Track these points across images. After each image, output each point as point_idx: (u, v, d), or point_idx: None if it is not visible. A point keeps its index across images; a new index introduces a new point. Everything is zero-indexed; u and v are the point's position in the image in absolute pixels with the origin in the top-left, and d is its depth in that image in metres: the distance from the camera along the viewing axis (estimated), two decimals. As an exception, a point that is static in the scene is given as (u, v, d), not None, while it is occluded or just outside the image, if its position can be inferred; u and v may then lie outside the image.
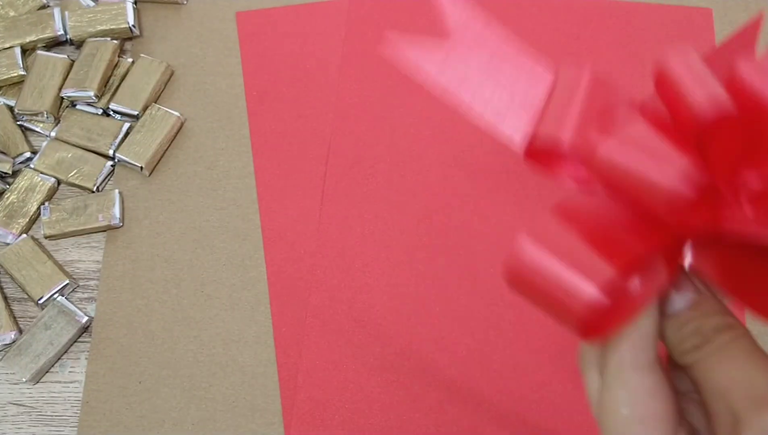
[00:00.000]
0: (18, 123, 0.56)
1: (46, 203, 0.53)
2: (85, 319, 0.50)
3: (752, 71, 0.22)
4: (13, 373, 0.49)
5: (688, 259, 0.24)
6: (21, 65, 0.57)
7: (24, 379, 0.48)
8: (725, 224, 0.21)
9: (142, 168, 0.54)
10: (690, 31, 0.56)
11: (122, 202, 0.54)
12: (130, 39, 0.60)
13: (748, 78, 0.22)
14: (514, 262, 0.23)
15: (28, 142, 0.56)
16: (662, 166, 0.21)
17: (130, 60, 0.58)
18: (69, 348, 0.50)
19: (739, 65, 0.22)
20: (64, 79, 0.56)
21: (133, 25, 0.58)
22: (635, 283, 0.23)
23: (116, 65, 0.57)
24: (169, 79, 0.58)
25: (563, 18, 0.57)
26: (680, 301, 0.24)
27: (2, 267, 0.52)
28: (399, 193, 0.52)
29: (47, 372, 0.50)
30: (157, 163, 0.55)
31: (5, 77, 0.56)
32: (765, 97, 0.21)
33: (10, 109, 0.57)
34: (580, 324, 0.22)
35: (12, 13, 0.59)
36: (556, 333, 0.48)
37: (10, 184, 0.54)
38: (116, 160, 0.55)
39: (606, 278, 0.21)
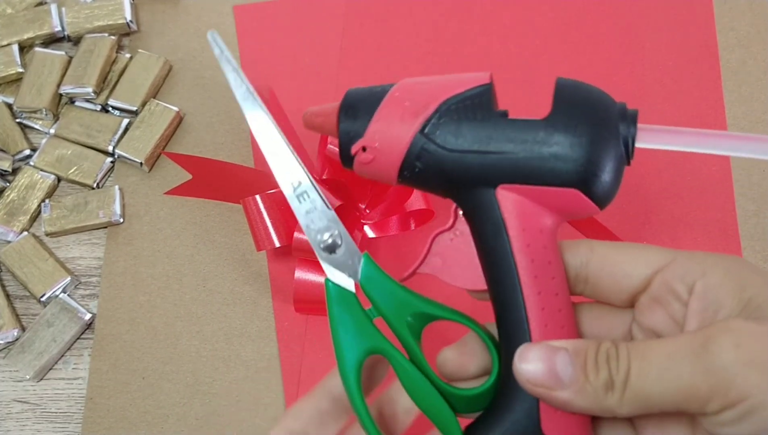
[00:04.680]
0: (17, 120, 0.56)
1: (47, 200, 0.53)
2: (88, 316, 0.50)
3: (333, 149, 0.44)
4: (17, 371, 0.49)
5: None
6: (19, 62, 0.56)
7: (27, 377, 0.49)
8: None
9: (141, 164, 0.54)
10: (689, 18, 0.56)
11: (122, 198, 0.54)
12: (127, 34, 0.59)
13: (332, 155, 0.45)
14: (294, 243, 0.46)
15: (27, 139, 0.56)
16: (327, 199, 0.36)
17: (128, 55, 0.57)
18: (72, 345, 0.50)
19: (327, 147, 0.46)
20: (62, 76, 0.56)
21: (131, 21, 0.58)
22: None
23: (114, 61, 0.57)
24: (167, 74, 0.58)
25: (562, 7, 0.57)
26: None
27: (4, 265, 0.52)
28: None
29: (51, 369, 0.50)
30: (156, 159, 0.55)
31: (3, 75, 0.56)
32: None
33: (9, 106, 0.57)
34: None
35: (9, 11, 0.59)
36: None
37: (10, 182, 0.54)
38: (116, 156, 0.55)
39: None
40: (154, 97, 0.56)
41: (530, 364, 0.28)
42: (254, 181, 0.50)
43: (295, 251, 0.47)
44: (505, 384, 0.29)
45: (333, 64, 0.57)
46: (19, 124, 0.56)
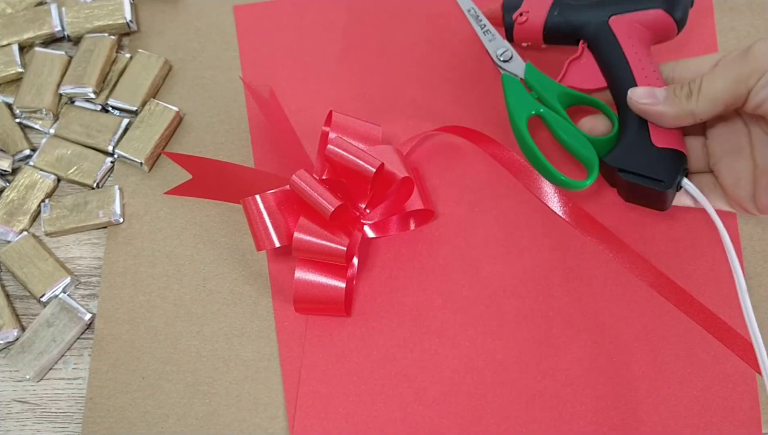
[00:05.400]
0: (17, 120, 0.56)
1: (47, 200, 0.53)
2: (88, 316, 0.50)
3: (333, 149, 0.47)
4: (17, 371, 0.49)
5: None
6: (19, 62, 0.56)
7: (27, 377, 0.49)
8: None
9: (141, 163, 0.54)
10: (690, 18, 0.56)
11: (122, 198, 0.54)
12: (127, 34, 0.59)
13: (332, 155, 0.47)
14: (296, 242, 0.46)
15: (27, 139, 0.56)
16: (326, 199, 0.45)
17: (127, 55, 0.57)
18: (72, 345, 0.50)
19: (328, 147, 0.47)
20: (62, 76, 0.56)
21: (131, 21, 0.58)
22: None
23: (114, 61, 0.57)
24: (167, 74, 0.58)
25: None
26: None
27: (4, 265, 0.52)
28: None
29: (51, 369, 0.50)
30: (156, 159, 0.55)
31: (3, 74, 0.56)
32: (345, 161, 0.46)
33: (9, 106, 0.57)
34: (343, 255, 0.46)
35: (9, 10, 0.59)
36: (560, 324, 0.48)
37: (10, 182, 0.54)
38: (116, 156, 0.55)
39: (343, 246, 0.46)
40: (154, 97, 0.56)
41: (638, 92, 0.45)
42: (254, 181, 0.51)
43: (295, 251, 0.47)
44: (623, 130, 0.46)
45: (333, 64, 0.57)
46: (19, 124, 0.56)
